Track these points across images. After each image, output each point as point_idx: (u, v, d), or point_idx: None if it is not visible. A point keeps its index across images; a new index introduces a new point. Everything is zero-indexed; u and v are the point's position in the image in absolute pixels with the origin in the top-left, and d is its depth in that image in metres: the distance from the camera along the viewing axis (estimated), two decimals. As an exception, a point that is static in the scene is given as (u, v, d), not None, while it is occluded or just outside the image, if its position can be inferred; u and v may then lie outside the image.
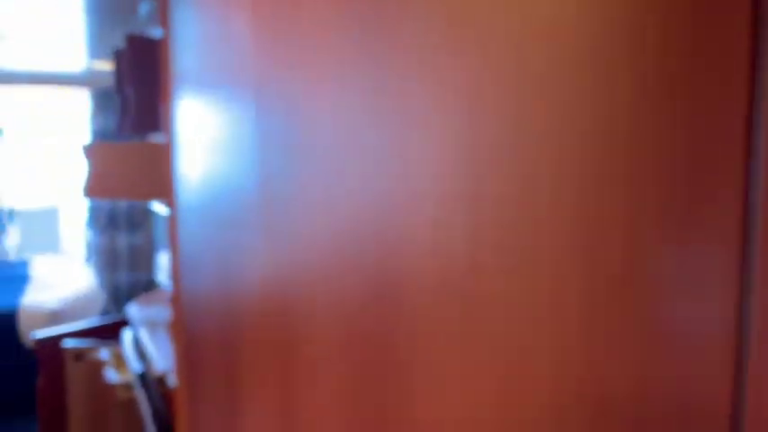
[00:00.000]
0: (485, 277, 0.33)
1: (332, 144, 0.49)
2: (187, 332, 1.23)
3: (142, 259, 5.67)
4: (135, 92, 2.60)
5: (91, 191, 2.76)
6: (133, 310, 2.91)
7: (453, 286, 0.35)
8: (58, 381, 2.72)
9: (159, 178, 2.64)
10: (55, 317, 3.51)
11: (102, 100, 5.37)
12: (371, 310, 0.45)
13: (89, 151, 2.73)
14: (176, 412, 1.42)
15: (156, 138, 2.84)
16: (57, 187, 5.98)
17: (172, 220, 1.27)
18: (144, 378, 1.84)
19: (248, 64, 0.70)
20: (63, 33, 3.31)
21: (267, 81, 0.64)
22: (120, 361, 2.55)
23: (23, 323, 3.43)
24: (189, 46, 1.07)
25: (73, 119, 6.39)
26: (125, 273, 5.61)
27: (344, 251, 0.47)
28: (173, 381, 2.11)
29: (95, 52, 4.10)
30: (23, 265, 4.58)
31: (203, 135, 0.97)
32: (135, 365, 1.94)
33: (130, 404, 2.28)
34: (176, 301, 1.29)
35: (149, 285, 5.71)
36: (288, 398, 0.63)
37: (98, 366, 2.67)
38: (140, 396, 1.87)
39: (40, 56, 3.99)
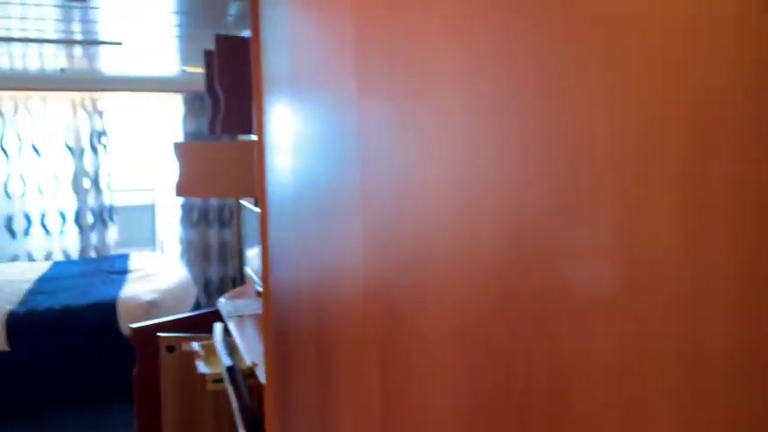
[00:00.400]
0: (642, 297, 0.28)
1: (443, 139, 0.48)
2: (277, 326, 1.23)
3: (231, 254, 5.90)
4: (225, 92, 2.68)
5: (181, 190, 2.87)
6: (223, 303, 3.01)
7: (601, 296, 0.31)
8: (153, 370, 2.86)
9: (249, 176, 2.71)
10: (151, 308, 3.69)
11: (193, 104, 5.63)
12: (489, 306, 0.41)
13: (179, 150, 2.84)
14: (265, 405, 1.43)
15: (246, 137, 2.91)
16: (153, 186, 6.32)
17: (262, 217, 1.28)
18: (233, 371, 1.89)
19: (349, 63, 0.68)
20: (157, 39, 3.48)
21: (370, 79, 0.62)
22: (210, 353, 2.64)
23: (122, 313, 3.63)
24: (280, 46, 1.06)
25: (168, 122, 6.73)
26: (215, 267, 5.85)
27: (459, 247, 0.45)
28: (261, 374, 2.15)
29: (187, 57, 4.29)
30: (123, 259, 4.86)
31: (295, 133, 0.96)
32: (225, 359, 1.98)
33: (220, 396, 2.35)
34: (266, 295, 1.29)
35: (238, 279, 5.92)
36: (390, 398, 0.60)
37: (190, 357, 2.77)
38: (229, 389, 1.92)
39: (140, 62, 4.22)
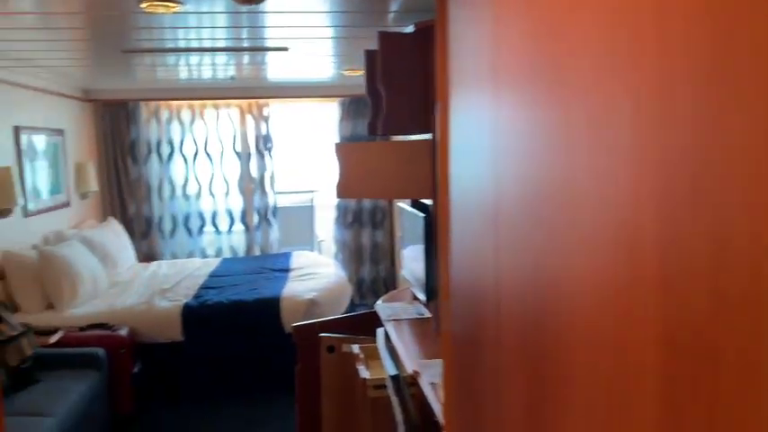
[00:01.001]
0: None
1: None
2: (460, 339, 1.10)
3: (383, 255, 5.94)
4: (387, 91, 2.63)
5: (342, 191, 2.86)
6: (380, 306, 2.97)
7: None
8: (314, 368, 2.89)
9: (412, 177, 2.62)
10: (311, 306, 3.77)
11: (349, 108, 5.75)
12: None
13: (339, 151, 2.84)
14: (445, 418, 1.31)
15: (410, 136, 2.82)
16: (312, 187, 6.57)
17: (443, 220, 1.15)
18: (397, 381, 1.79)
19: (585, 56, 0.55)
20: (319, 42, 3.55)
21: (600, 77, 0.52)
22: (369, 356, 2.59)
23: (284, 310, 3.75)
24: (475, 37, 0.94)
25: (326, 127, 6.98)
26: (368, 267, 5.93)
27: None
28: (424, 383, 2.04)
29: (345, 60, 4.36)
30: (285, 257, 5.07)
31: (496, 132, 0.84)
32: (389, 367, 1.89)
33: (380, 402, 2.28)
34: (445, 304, 1.17)
35: (389, 281, 5.95)
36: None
37: (349, 359, 2.75)
38: (393, 399, 1.83)
39: (301, 67, 4.37)
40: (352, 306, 4.49)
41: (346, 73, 4.51)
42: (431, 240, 2.60)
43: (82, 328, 3.47)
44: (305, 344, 2.91)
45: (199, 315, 3.71)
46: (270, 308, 3.75)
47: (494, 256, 0.85)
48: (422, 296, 2.73)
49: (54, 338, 3.31)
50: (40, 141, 4.35)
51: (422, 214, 2.68)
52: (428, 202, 2.88)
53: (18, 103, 4.04)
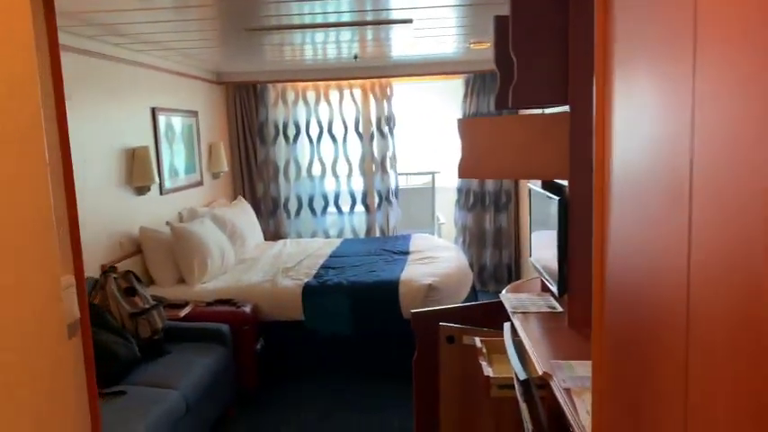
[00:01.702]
0: None
1: None
2: (615, 338, 0.87)
3: (507, 241, 5.64)
4: (520, 59, 2.37)
5: (464, 170, 2.65)
6: (506, 297, 2.73)
7: None
8: (432, 358, 2.73)
9: (545, 155, 2.35)
10: (430, 291, 3.61)
11: (474, 84, 5.47)
12: None
13: (463, 127, 2.62)
14: (595, 426, 1.08)
15: (544, 110, 2.53)
16: (433, 169, 6.40)
17: (598, 204, 0.92)
18: (528, 386, 1.57)
19: None
20: (444, 12, 3.33)
21: None
22: (492, 351, 2.38)
23: (403, 294, 3.62)
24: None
25: (449, 106, 6.77)
26: (490, 253, 5.66)
27: None
28: (555, 387, 1.80)
29: (472, 32, 4.10)
30: (405, 240, 4.95)
31: (672, 107, 0.62)
32: (518, 369, 1.68)
33: (504, 404, 2.07)
34: (598, 301, 0.94)
35: (513, 268, 5.65)
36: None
37: (470, 352, 2.55)
38: (522, 404, 1.62)
39: (426, 42, 4.18)
40: (473, 293, 4.27)
41: (472, 46, 4.25)
42: (565, 226, 2.32)
43: (209, 303, 3.58)
44: (423, 332, 2.76)
45: (318, 295, 3.70)
46: (388, 291, 3.64)
47: (681, 248, 0.62)
48: (553, 288, 2.46)
49: (184, 312, 3.44)
50: (175, 123, 4.55)
51: (555, 197, 2.40)
52: (563, 182, 2.59)
53: (155, 86, 4.25)
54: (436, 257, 4.21)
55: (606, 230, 0.91)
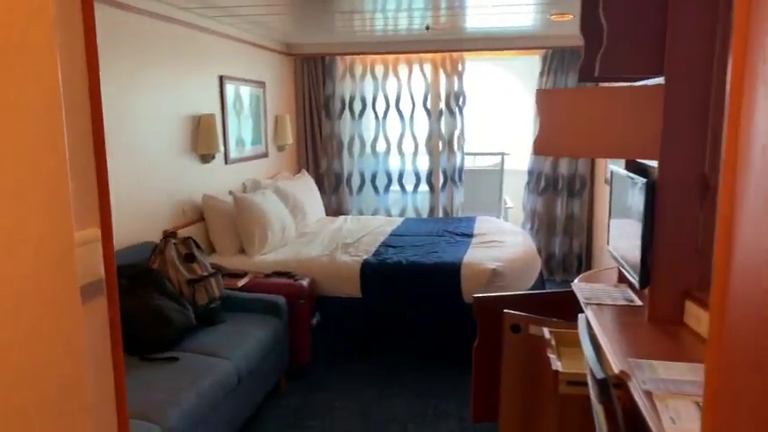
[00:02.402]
0: None
1: None
2: (743, 344, 0.69)
3: (579, 228, 5.34)
4: (609, 22, 2.13)
5: (540, 147, 2.43)
6: (579, 287, 2.52)
7: None
8: (494, 346, 2.56)
9: (638, 131, 2.11)
10: (494, 277, 3.43)
11: (552, 60, 5.15)
12: None
13: (542, 99, 2.40)
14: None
15: (638, 82, 2.27)
16: (502, 150, 6.15)
17: (726, 190, 0.73)
18: (605, 387, 1.39)
19: None
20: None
21: None
22: (562, 343, 2.19)
23: (465, 277, 3.45)
24: None
25: (524, 83, 6.47)
26: (560, 240, 5.37)
27: None
28: (635, 388, 1.61)
29: (552, 3, 3.82)
30: (469, 222, 4.76)
31: None
32: (595, 368, 1.49)
33: (571, 401, 1.89)
34: (718, 297, 0.75)
35: (584, 257, 5.35)
36: None
37: (537, 343, 2.37)
38: (596, 405, 1.44)
39: (503, 14, 3.93)
40: (540, 281, 4.05)
41: (553, 18, 3.97)
42: (651, 212, 2.09)
43: (267, 275, 3.53)
44: (486, 318, 2.59)
45: (377, 273, 3.58)
46: (449, 273, 3.48)
47: None
48: (633, 279, 2.24)
49: (242, 282, 3.41)
50: (243, 92, 4.52)
51: (642, 179, 2.16)
52: (650, 163, 2.34)
53: (224, 54, 4.21)
54: (502, 241, 4.01)
55: (732, 221, 0.72)
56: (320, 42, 5.37)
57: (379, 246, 4.02)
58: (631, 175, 2.40)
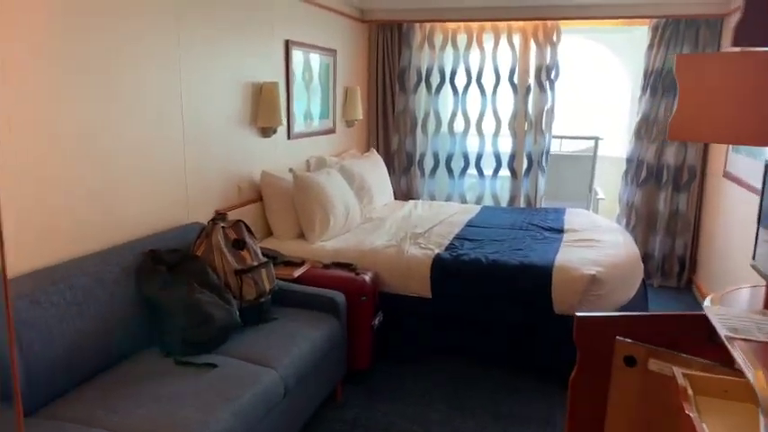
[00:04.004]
0: None
1: None
2: None
3: (684, 226, 4.63)
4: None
5: (675, 129, 1.87)
6: (715, 312, 1.95)
7: None
8: (599, 379, 2.04)
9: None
10: (592, 284, 2.88)
11: (664, 32, 4.41)
12: None
13: (683, 67, 1.83)
14: None
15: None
16: (596, 133, 5.47)
17: None
18: None
19: None
20: None
21: None
22: (701, 391, 1.66)
23: (557, 284, 2.92)
24: None
25: (624, 60, 5.73)
26: (661, 240, 4.69)
27: None
28: None
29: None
30: (557, 215, 4.17)
31: None
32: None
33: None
34: None
35: (687, 260, 4.62)
36: None
37: (656, 381, 1.84)
38: None
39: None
40: (643, 291, 3.44)
41: (678, -24, 3.29)
42: None
43: (326, 266, 3.13)
44: (589, 343, 2.07)
45: (451, 271, 3.10)
46: (538, 277, 2.96)
47: None
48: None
49: (298, 272, 3.02)
50: (313, 60, 4.11)
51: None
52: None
53: (291, 16, 3.80)
54: (599, 240, 3.42)
55: None
56: (397, 8, 4.87)
57: (454, 238, 3.54)
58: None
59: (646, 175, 4.67)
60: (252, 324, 2.52)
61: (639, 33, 5.47)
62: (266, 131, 3.53)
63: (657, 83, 4.51)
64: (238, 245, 2.64)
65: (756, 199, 3.24)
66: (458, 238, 3.55)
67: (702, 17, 4.27)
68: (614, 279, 2.96)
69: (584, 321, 2.08)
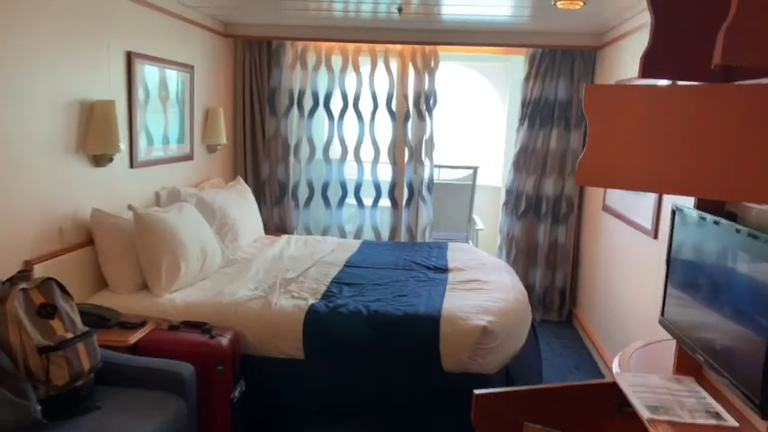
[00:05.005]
0: None
1: None
2: None
3: (563, 258, 4.56)
4: (659, 17, 1.34)
5: (587, 173, 1.61)
6: (628, 381, 1.69)
7: None
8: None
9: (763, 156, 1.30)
10: (484, 336, 2.57)
11: (540, 63, 4.35)
12: None
13: (596, 97, 1.57)
14: None
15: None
16: (474, 163, 5.33)
17: None
18: None
19: None
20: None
21: None
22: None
23: (445, 336, 2.58)
24: None
25: (498, 88, 5.69)
26: (541, 272, 4.59)
27: None
28: None
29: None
30: (440, 251, 3.88)
31: None
32: None
33: None
34: None
35: (567, 294, 4.57)
36: None
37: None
38: None
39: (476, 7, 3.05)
40: (534, 337, 3.22)
41: (560, 5, 3.16)
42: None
43: (172, 327, 2.56)
44: (491, 429, 1.73)
45: (327, 325, 2.66)
46: (425, 329, 2.61)
47: None
48: (742, 397, 1.43)
49: (135, 337, 2.44)
50: (160, 75, 3.52)
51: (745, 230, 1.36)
52: (758, 206, 1.53)
53: (134, 23, 3.21)
54: (485, 282, 3.16)
55: None
56: (265, 23, 4.41)
57: (332, 282, 3.11)
58: (726, 222, 1.59)
59: (525, 206, 4.56)
60: (63, 418, 1.91)
61: (515, 62, 5.47)
62: (100, 159, 2.90)
63: (535, 113, 4.43)
64: (46, 312, 2.02)
65: (639, 236, 3.14)
66: (336, 282, 3.13)
67: (578, 48, 4.25)
68: (506, 329, 2.69)
69: (483, 401, 1.73)
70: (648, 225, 2.96)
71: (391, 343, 2.62)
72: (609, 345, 3.64)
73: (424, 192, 4.74)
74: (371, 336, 2.63)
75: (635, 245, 3.23)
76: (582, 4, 3.12)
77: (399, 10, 3.60)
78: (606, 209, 3.80)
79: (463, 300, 2.85)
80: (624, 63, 3.65)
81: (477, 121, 6.10)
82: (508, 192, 4.64)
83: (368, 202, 4.84)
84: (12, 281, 2.02)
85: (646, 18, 3.30)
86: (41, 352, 1.92)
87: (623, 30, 3.66)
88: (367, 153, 4.77)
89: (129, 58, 3.14)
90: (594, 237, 4.15)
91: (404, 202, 4.77)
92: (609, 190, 3.73)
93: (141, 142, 3.32)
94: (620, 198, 3.53)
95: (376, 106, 4.67)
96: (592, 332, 4.04)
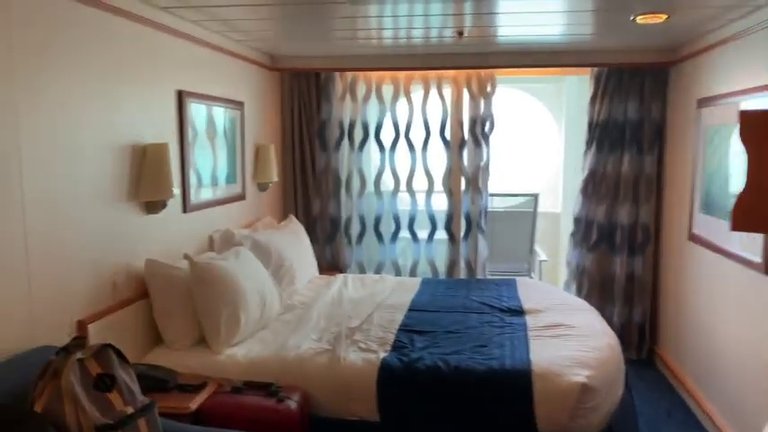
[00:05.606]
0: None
1: None
2: None
3: (641, 292, 4.20)
4: None
5: (744, 217, 1.33)
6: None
7: None
8: None
9: None
10: (584, 394, 2.26)
11: (608, 81, 4.06)
12: None
13: (755, 127, 1.30)
14: None
15: None
16: (535, 190, 5.05)
17: None
18: None
19: None
20: None
21: None
22: None
23: (539, 396, 2.28)
24: None
25: (566, 110, 5.41)
26: (618, 308, 4.23)
27: None
28: None
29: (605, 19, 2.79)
30: (510, 289, 3.58)
31: None
32: None
33: None
34: None
35: (647, 331, 4.18)
36: None
37: None
38: None
39: (548, 21, 2.81)
40: (628, 391, 2.88)
41: (640, 20, 2.89)
42: None
43: (236, 388, 2.33)
44: None
45: (404, 383, 2.40)
46: (515, 387, 2.32)
47: None
48: None
49: (197, 402, 2.21)
50: (215, 114, 3.37)
51: None
52: None
53: (184, 62, 3.07)
54: (571, 326, 2.85)
55: None
56: (313, 55, 4.26)
57: (399, 330, 2.85)
58: None
59: (597, 236, 4.23)
60: (123, 508, 1.68)
61: (570, 82, 5.19)
62: (153, 206, 2.73)
63: (604, 136, 4.13)
64: (104, 384, 1.81)
65: (743, 271, 2.79)
66: (404, 329, 2.87)
67: (647, 65, 3.95)
68: (607, 383, 2.38)
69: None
70: (757, 258, 2.62)
71: (477, 403, 2.33)
72: (705, 390, 3.27)
73: (482, 223, 4.46)
74: (454, 394, 2.35)
75: (736, 280, 2.88)
76: (665, 16, 2.84)
77: (460, 34, 3.38)
78: (693, 238, 3.45)
79: (553, 350, 2.55)
80: (705, 81, 3.35)
81: (532, 146, 5.83)
82: (576, 220, 4.33)
83: (422, 235, 4.59)
84: (67, 350, 1.82)
85: (728, 31, 3.02)
86: (100, 431, 1.71)
87: (701, 44, 3.37)
88: (420, 183, 4.53)
89: (180, 97, 2.99)
90: (679, 269, 3.79)
91: (461, 234, 4.50)
92: (697, 217, 3.39)
93: (198, 185, 3.15)
94: (709, 224, 3.20)
95: (428, 134, 4.44)
96: (681, 374, 3.66)
